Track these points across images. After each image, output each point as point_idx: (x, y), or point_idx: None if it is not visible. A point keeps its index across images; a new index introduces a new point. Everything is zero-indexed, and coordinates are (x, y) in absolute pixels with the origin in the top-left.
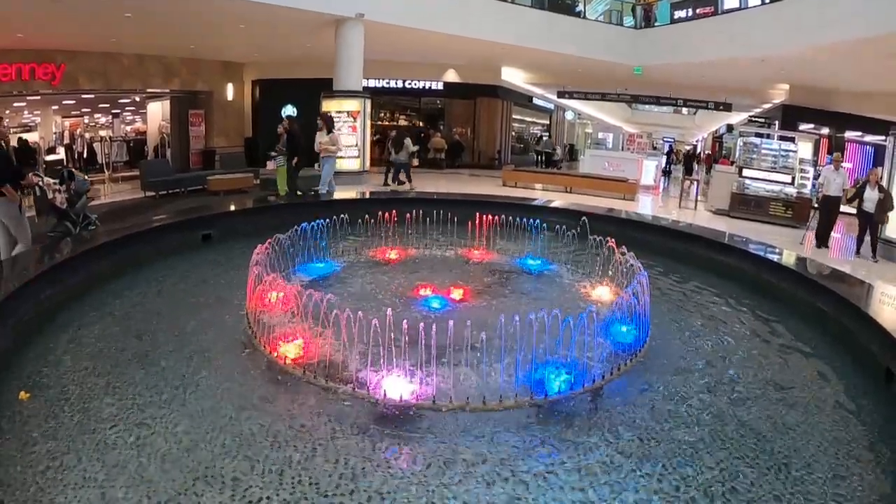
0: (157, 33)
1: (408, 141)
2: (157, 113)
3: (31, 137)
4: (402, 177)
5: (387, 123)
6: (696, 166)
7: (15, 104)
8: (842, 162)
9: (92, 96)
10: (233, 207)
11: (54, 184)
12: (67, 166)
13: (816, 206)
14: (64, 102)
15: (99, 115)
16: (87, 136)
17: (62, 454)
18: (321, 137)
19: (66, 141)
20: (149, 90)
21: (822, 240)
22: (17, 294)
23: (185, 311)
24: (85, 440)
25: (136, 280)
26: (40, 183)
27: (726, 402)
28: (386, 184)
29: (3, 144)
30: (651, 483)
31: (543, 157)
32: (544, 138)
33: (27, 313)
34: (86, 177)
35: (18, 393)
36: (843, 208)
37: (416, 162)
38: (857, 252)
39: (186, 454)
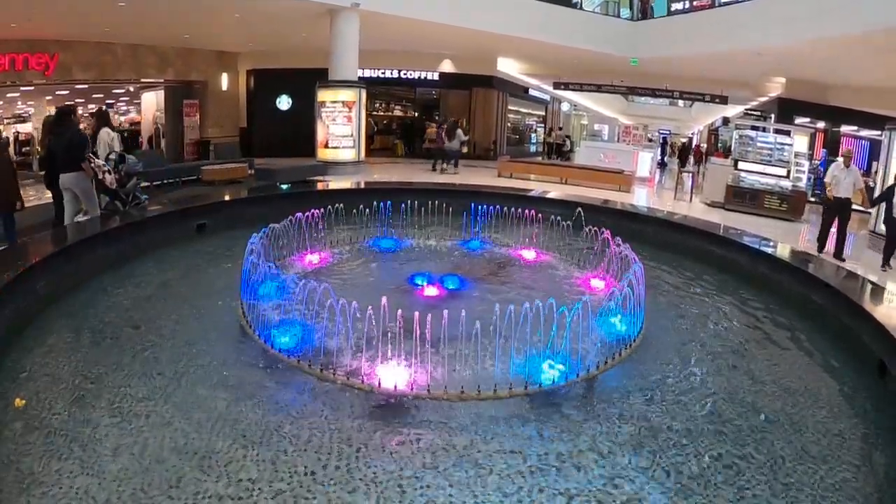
0: (150, 22)
1: (459, 131)
2: (152, 103)
3: (25, 128)
4: (444, 164)
5: (381, 114)
6: (690, 158)
7: (8, 95)
8: (852, 158)
9: (86, 86)
10: (227, 197)
11: (103, 165)
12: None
13: (813, 199)
14: (58, 93)
15: (93, 106)
16: (82, 126)
17: (58, 443)
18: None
19: None
20: (143, 80)
21: (830, 247)
22: (14, 285)
23: (179, 301)
24: (80, 429)
25: (130, 270)
26: (92, 164)
27: (719, 392)
28: (434, 170)
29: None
30: (645, 472)
31: (555, 148)
32: (556, 130)
33: (23, 303)
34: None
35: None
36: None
37: (464, 149)
38: (886, 264)
39: (181, 442)
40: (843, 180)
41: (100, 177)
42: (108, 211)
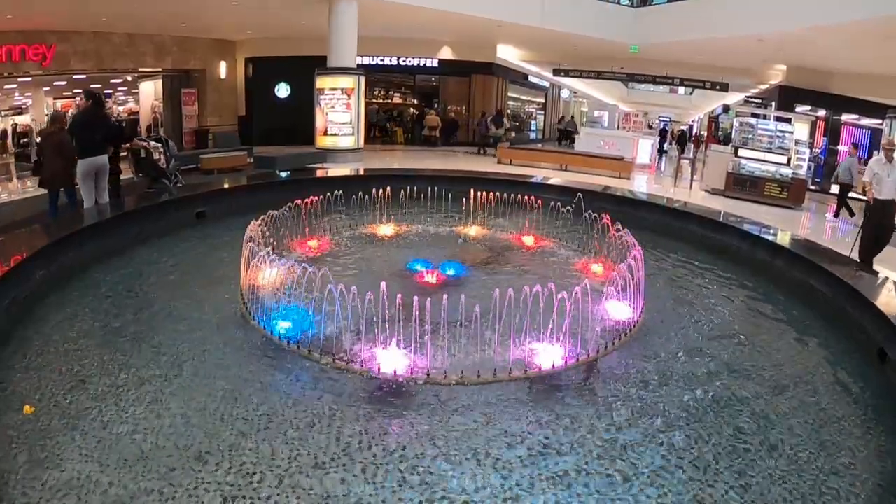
0: (148, 11)
1: (504, 120)
2: (150, 92)
3: (24, 120)
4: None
5: (380, 101)
6: (690, 146)
7: (6, 86)
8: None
9: (84, 77)
10: (226, 185)
11: (159, 146)
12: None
13: (813, 187)
14: (55, 83)
15: None
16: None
17: (58, 431)
18: None
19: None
20: (141, 70)
21: (869, 258)
22: (14, 273)
23: (179, 288)
24: (80, 417)
25: (130, 258)
26: (147, 146)
27: (719, 378)
28: (479, 153)
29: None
30: (643, 457)
31: (566, 135)
32: (567, 118)
33: (21, 293)
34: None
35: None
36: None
37: (512, 134)
38: None
39: (182, 430)
40: (885, 178)
41: (155, 157)
42: (156, 189)
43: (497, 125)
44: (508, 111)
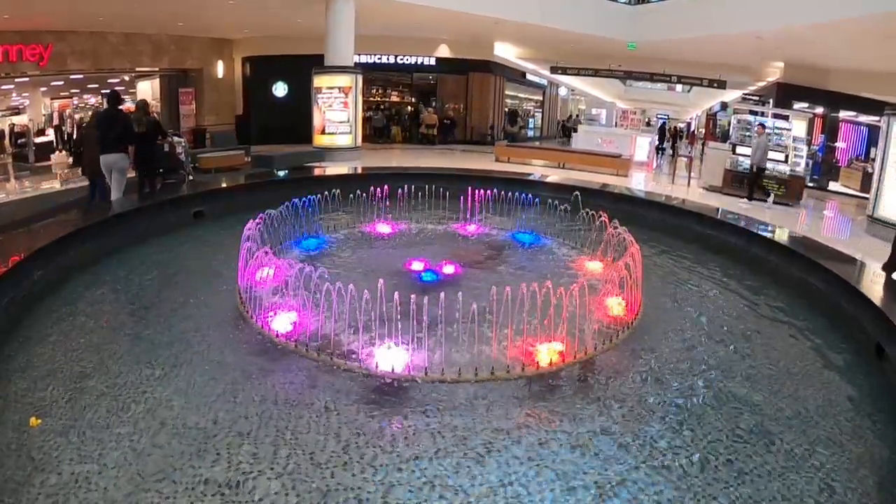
0: (146, 11)
1: (518, 119)
2: (147, 92)
3: (21, 120)
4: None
5: (378, 99)
6: (682, 142)
7: (3, 87)
8: None
9: (81, 77)
10: (224, 185)
11: (182, 141)
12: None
13: (811, 184)
14: (52, 84)
15: (88, 96)
16: (77, 116)
17: (56, 432)
18: None
19: (56, 122)
20: (138, 69)
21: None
22: (11, 274)
23: (177, 287)
24: (78, 417)
25: (128, 257)
26: (172, 141)
27: (717, 374)
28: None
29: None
30: (642, 453)
31: (570, 132)
32: (573, 116)
33: (19, 293)
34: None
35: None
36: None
37: (523, 131)
38: None
39: (180, 429)
40: None
41: (178, 151)
42: (175, 180)
43: (512, 124)
44: (506, 109)
